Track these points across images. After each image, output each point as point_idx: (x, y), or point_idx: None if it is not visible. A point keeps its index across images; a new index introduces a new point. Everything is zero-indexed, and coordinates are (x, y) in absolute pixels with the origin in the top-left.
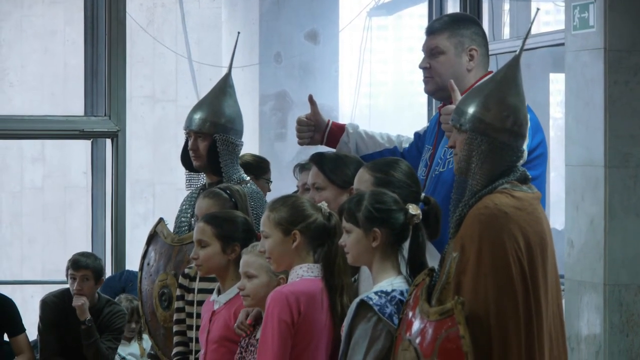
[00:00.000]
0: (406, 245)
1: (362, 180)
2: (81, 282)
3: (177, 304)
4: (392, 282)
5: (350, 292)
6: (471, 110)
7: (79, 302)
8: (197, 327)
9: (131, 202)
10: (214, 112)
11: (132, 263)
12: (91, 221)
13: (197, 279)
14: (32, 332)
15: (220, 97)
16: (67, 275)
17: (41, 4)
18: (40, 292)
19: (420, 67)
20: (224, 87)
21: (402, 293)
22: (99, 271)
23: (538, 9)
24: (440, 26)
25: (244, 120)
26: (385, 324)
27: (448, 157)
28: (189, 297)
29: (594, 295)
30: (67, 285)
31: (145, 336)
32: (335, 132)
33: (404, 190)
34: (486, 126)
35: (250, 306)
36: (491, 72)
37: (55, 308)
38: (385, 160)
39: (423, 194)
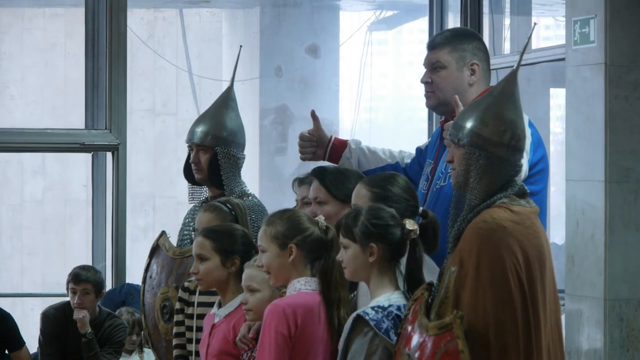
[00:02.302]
0: (404, 260)
1: (360, 195)
2: (82, 295)
3: (176, 318)
4: (390, 298)
5: (348, 306)
6: (469, 125)
7: (79, 315)
8: (197, 341)
9: (131, 215)
10: (216, 125)
11: (133, 276)
12: (91, 234)
13: (197, 293)
14: (32, 345)
15: (222, 110)
16: (67, 289)
17: (42, 16)
18: (40, 305)
19: (422, 81)
20: (227, 101)
21: (399, 308)
22: (99, 284)
23: (535, 24)
24: (442, 40)
25: None
26: (381, 340)
27: (449, 171)
28: (189, 310)
29: (594, 310)
30: (68, 298)
31: (147, 349)
32: (337, 148)
33: (402, 205)
34: (484, 141)
35: (252, 320)
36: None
37: (56, 321)
38: (383, 175)
39: (421, 208)
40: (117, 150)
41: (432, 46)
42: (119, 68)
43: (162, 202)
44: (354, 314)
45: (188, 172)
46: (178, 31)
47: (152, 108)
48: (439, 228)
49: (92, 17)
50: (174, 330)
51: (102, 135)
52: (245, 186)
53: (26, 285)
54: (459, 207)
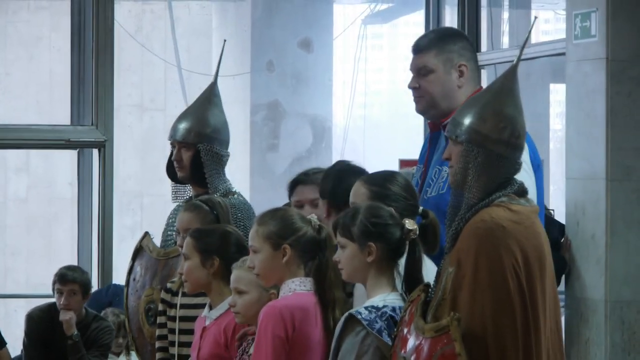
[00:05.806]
0: (402, 261)
1: (358, 193)
2: (68, 296)
3: (159, 320)
4: (385, 298)
5: (343, 307)
6: (467, 121)
7: (66, 316)
8: (180, 344)
9: (118, 214)
10: (199, 121)
11: (119, 277)
12: (77, 234)
13: (180, 294)
14: (16, 346)
15: (205, 107)
16: (53, 290)
17: (27, 9)
18: (24, 306)
19: (410, 87)
20: (210, 96)
21: (394, 309)
22: (86, 285)
23: (536, 17)
24: (427, 44)
25: (234, 131)
26: (374, 339)
27: (439, 179)
28: (171, 312)
29: (594, 312)
30: (53, 300)
31: (133, 352)
32: None
33: (401, 204)
34: (483, 138)
35: (241, 323)
36: (481, 88)
37: (41, 323)
38: (382, 173)
39: (421, 208)
40: (104, 147)
41: (417, 50)
42: (105, 62)
43: (150, 201)
44: (346, 314)
45: (171, 170)
46: (167, 24)
47: (140, 103)
48: (439, 228)
49: (78, 9)
50: (157, 332)
51: (88, 132)
52: (230, 184)
53: (10, 285)
54: (457, 206)
